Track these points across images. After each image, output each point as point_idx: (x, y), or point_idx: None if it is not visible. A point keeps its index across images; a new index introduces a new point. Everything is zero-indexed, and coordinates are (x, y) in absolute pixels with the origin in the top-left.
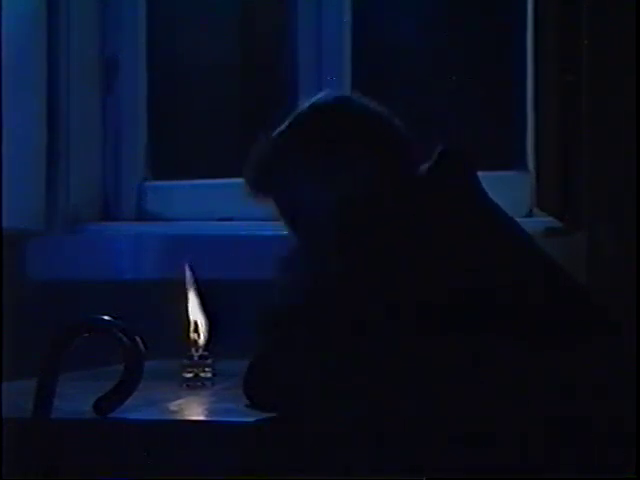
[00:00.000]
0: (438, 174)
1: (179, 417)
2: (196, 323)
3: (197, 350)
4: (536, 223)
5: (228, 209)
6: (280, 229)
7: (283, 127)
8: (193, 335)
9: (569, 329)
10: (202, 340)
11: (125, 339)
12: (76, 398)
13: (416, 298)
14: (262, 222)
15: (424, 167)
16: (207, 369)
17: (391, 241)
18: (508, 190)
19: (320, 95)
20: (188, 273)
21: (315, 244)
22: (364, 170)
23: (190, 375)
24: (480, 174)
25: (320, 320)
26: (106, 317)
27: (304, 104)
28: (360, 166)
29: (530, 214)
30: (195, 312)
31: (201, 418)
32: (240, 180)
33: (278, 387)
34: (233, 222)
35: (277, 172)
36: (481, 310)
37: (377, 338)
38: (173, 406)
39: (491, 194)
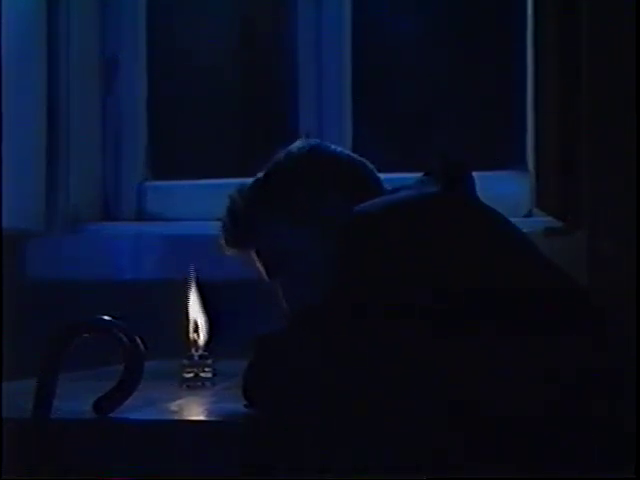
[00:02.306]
0: (437, 187)
1: (179, 417)
2: (196, 323)
3: (197, 350)
4: (536, 223)
5: None
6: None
7: (258, 180)
8: (193, 335)
9: (569, 329)
10: (202, 340)
11: (125, 339)
12: (76, 398)
13: (419, 303)
14: None
15: (422, 181)
16: (207, 369)
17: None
18: (508, 190)
19: (293, 145)
20: (191, 274)
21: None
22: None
23: (190, 375)
24: (480, 174)
25: (318, 321)
26: (106, 317)
27: (279, 154)
28: (338, 208)
29: (530, 214)
30: (195, 312)
31: (201, 418)
32: (239, 180)
33: (276, 388)
34: None
35: (259, 224)
36: (484, 312)
37: (376, 340)
38: (173, 406)
39: (491, 194)
